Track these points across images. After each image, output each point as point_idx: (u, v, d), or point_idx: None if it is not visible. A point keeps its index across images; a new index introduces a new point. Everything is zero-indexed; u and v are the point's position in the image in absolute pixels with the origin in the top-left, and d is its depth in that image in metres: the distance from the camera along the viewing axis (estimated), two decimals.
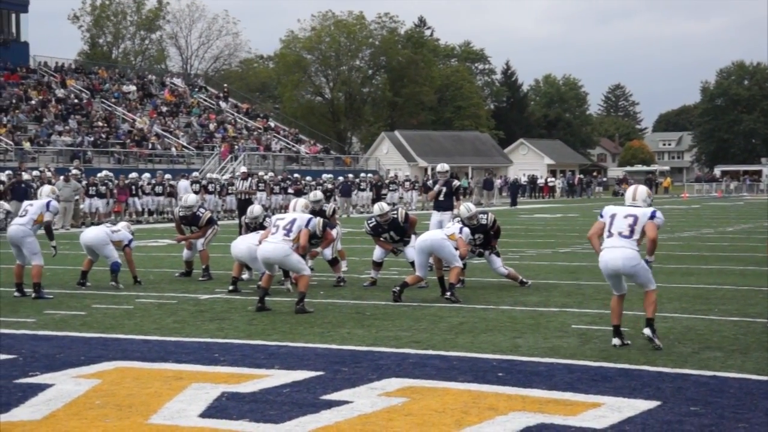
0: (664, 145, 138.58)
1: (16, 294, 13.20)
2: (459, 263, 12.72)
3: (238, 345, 9.39)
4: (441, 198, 16.61)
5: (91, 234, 14.51)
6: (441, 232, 13.14)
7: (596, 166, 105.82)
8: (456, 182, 16.87)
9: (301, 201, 13.17)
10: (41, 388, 7.43)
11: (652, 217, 9.11)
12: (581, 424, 6.34)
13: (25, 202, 13.89)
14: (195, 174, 39.81)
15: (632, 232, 9.10)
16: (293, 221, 11.95)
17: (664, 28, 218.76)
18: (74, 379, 7.75)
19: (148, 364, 8.41)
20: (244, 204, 25.73)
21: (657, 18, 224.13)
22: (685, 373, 7.88)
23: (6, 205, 27.64)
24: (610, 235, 9.20)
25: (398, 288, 12.53)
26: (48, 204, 13.38)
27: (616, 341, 9.14)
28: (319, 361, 8.49)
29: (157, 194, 34.63)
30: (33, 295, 12.97)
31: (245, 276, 14.40)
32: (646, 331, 9.04)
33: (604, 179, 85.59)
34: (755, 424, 6.35)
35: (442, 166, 17.26)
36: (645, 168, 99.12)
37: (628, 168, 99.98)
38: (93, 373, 8.03)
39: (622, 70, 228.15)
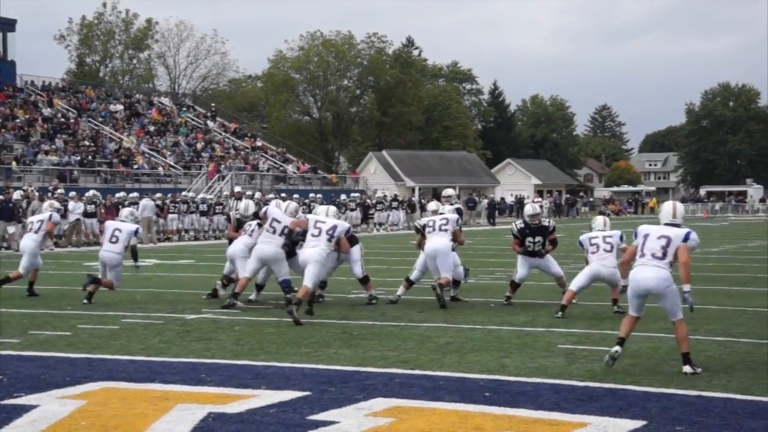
0: (650, 165, 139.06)
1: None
2: (449, 275, 13.74)
3: (224, 365, 9.37)
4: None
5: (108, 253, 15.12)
6: (446, 241, 13.92)
7: (583, 186, 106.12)
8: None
9: (333, 208, 13.93)
10: (26, 409, 7.39)
11: (686, 239, 9.07)
12: None
13: (114, 229, 14.94)
14: (184, 194, 39.70)
15: (665, 254, 9.05)
16: (334, 227, 13.09)
17: (650, 50, 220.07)
18: (59, 400, 7.71)
19: (134, 385, 8.37)
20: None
21: (645, 42, 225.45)
22: (671, 393, 7.90)
23: None
24: (643, 255, 9.17)
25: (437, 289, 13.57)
26: (136, 231, 14.94)
27: (617, 349, 9.02)
28: (306, 381, 8.48)
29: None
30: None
31: (252, 297, 14.53)
32: (686, 368, 8.82)
33: (591, 199, 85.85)
34: None
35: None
36: (631, 188, 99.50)
37: (615, 188, 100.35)
38: (78, 393, 7.99)
39: (608, 91, 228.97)
